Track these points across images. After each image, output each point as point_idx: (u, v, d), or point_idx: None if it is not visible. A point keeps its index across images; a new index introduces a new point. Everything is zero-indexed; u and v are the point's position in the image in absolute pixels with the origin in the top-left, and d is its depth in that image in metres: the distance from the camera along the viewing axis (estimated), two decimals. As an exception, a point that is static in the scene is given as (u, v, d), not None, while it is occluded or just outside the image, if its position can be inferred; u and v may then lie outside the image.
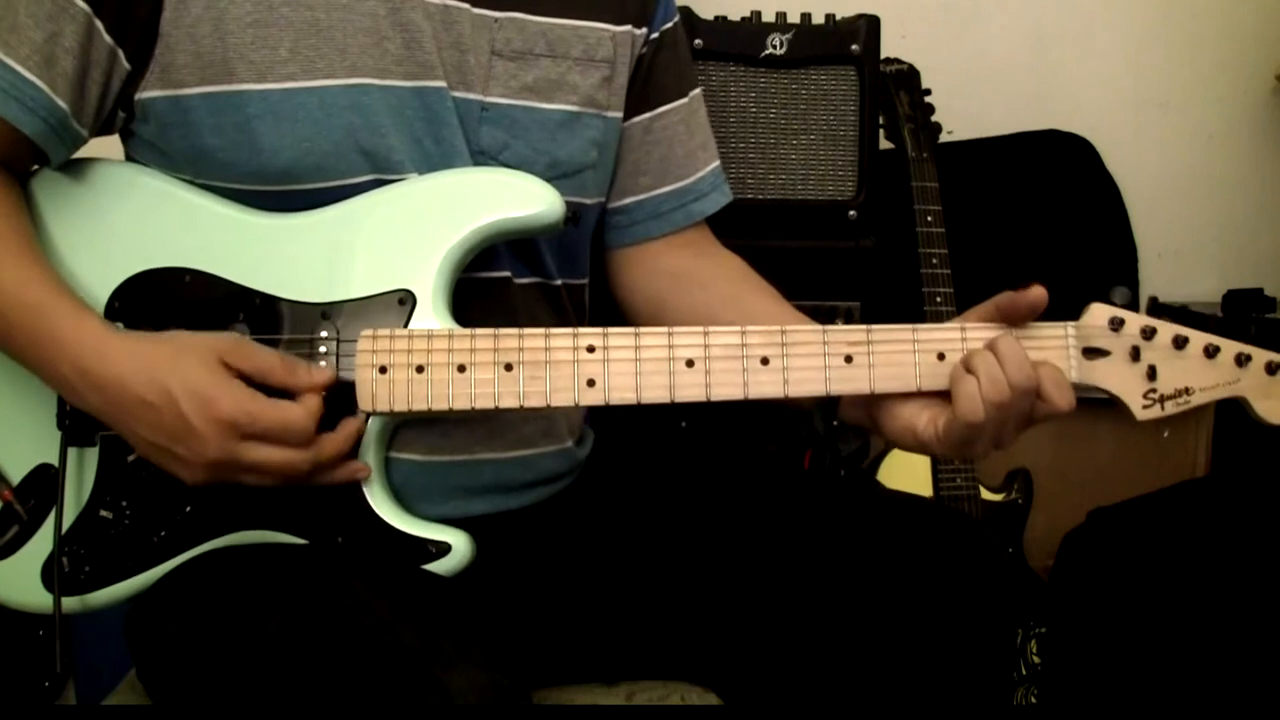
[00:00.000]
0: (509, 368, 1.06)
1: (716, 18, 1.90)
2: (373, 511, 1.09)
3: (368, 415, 1.08)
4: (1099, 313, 1.09)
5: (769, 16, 1.91)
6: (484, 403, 1.06)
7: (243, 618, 1.02)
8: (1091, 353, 1.08)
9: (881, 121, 1.99)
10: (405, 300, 1.08)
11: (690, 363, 1.06)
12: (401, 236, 1.10)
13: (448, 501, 1.15)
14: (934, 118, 2.05)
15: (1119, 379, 1.08)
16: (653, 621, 1.19)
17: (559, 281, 1.24)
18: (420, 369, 1.06)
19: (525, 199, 1.11)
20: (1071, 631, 1.93)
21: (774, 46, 1.88)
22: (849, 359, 1.07)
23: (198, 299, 1.10)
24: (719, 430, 1.83)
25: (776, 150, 1.90)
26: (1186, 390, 1.08)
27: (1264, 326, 2.20)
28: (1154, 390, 1.08)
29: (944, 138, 2.07)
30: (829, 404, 1.16)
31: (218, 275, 1.10)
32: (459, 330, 1.07)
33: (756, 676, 1.16)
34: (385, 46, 1.12)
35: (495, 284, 1.16)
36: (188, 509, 1.09)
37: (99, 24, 1.07)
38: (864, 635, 1.09)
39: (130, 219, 1.12)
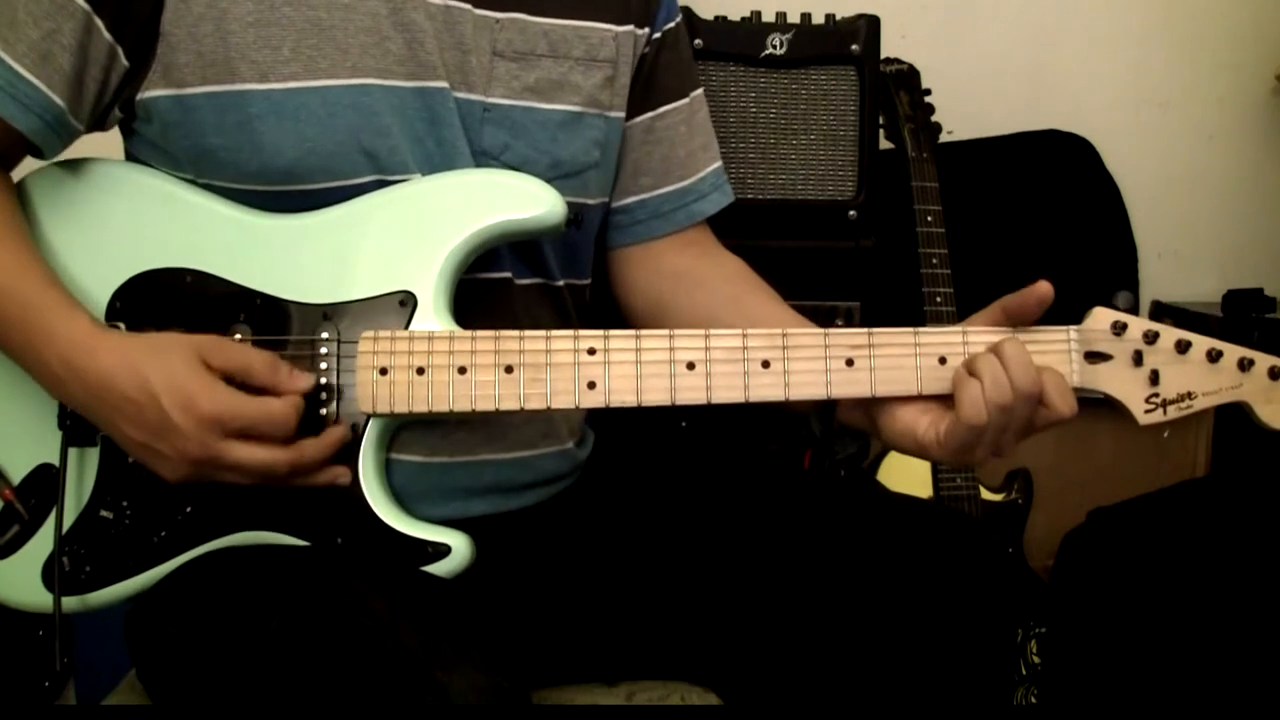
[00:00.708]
0: (510, 370, 1.06)
1: (716, 18, 1.90)
2: (372, 513, 1.09)
3: (367, 418, 1.08)
4: (1101, 316, 1.08)
5: (769, 16, 1.91)
6: (485, 405, 1.06)
7: (243, 618, 1.02)
8: (1094, 357, 1.08)
9: (881, 121, 1.99)
10: (406, 302, 1.08)
11: (691, 365, 1.06)
12: (403, 238, 1.10)
13: (448, 503, 1.15)
14: (934, 118, 2.05)
15: (1121, 383, 1.08)
16: (653, 621, 1.19)
17: (561, 282, 1.24)
18: (421, 371, 1.06)
19: (527, 201, 1.11)
20: (1071, 631, 1.93)
21: (774, 46, 1.88)
22: (850, 362, 1.07)
23: (199, 300, 1.10)
24: (719, 430, 1.83)
25: (776, 150, 1.90)
26: (1189, 395, 1.07)
27: (1264, 327, 2.20)
28: (1156, 395, 1.07)
29: (944, 138, 2.07)
30: (826, 406, 1.15)
31: (219, 276, 1.10)
32: (460, 332, 1.07)
33: (756, 676, 1.16)
34: (387, 46, 1.12)
35: (496, 285, 1.16)
36: (188, 509, 1.09)
37: (98, 22, 1.07)
38: (864, 635, 1.09)
39: (131, 219, 1.12)
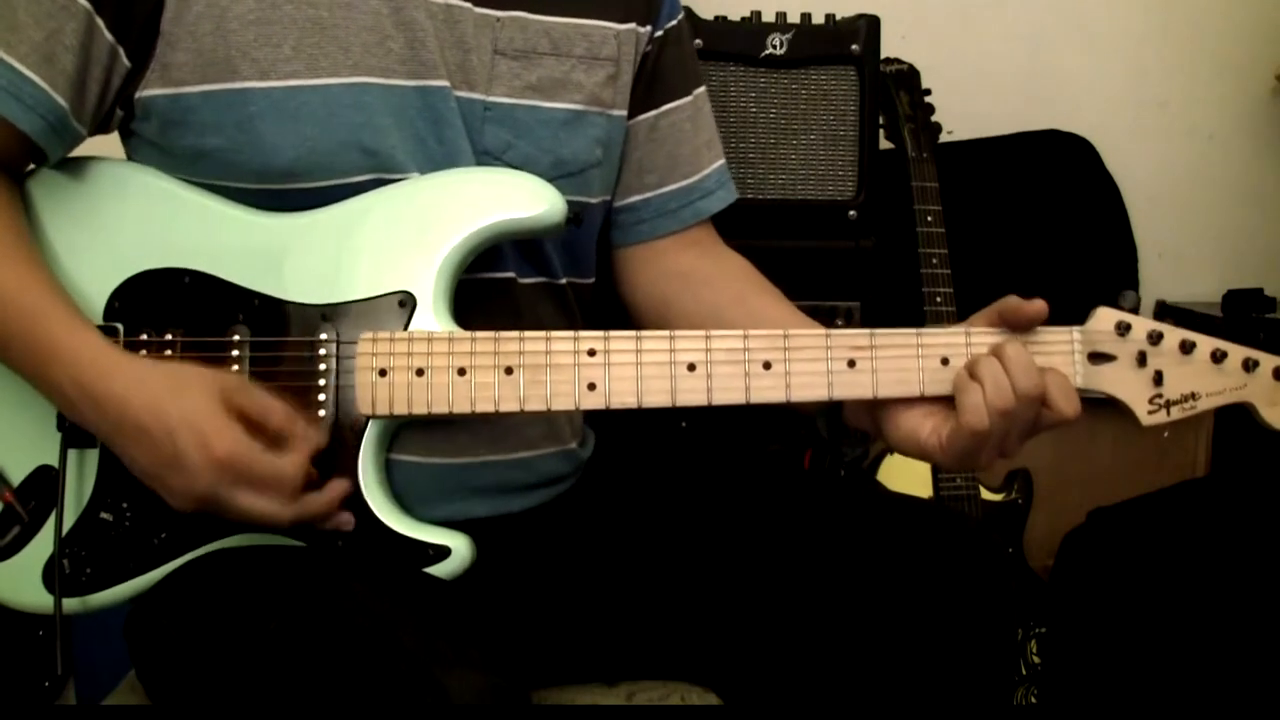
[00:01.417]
0: (509, 371, 1.05)
1: (716, 18, 1.91)
2: (373, 515, 1.09)
3: (366, 418, 1.08)
4: (1105, 317, 1.08)
5: (769, 16, 1.91)
6: (484, 406, 1.05)
7: (242, 619, 1.02)
8: (1097, 357, 1.08)
9: (881, 121, 1.99)
10: (405, 302, 1.08)
11: (692, 366, 1.06)
12: (402, 238, 1.09)
13: (449, 503, 1.14)
14: (934, 118, 2.05)
15: (1125, 384, 1.07)
16: (653, 622, 1.19)
17: (564, 281, 1.24)
18: (420, 372, 1.06)
19: (527, 200, 1.10)
20: (1071, 631, 1.93)
21: (774, 46, 1.88)
22: (852, 363, 1.07)
23: (197, 300, 1.09)
24: (719, 430, 1.83)
25: (776, 150, 1.91)
26: (1193, 395, 1.07)
27: (1264, 327, 2.20)
28: (1160, 396, 1.07)
29: (944, 138, 2.07)
30: (833, 408, 1.15)
31: (218, 276, 1.10)
32: (459, 333, 1.07)
33: (756, 676, 1.16)
34: (388, 45, 1.12)
35: (499, 285, 1.16)
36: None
37: (100, 22, 1.06)
38: (864, 635, 1.09)
39: (130, 219, 1.11)
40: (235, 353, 1.09)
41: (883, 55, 1.95)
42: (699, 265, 1.31)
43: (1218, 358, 1.07)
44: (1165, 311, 2.39)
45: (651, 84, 1.29)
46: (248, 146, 1.09)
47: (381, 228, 1.10)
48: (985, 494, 2.03)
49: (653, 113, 1.29)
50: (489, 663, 0.97)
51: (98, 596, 1.11)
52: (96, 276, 1.10)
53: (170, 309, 1.09)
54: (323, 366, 1.08)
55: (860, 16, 1.91)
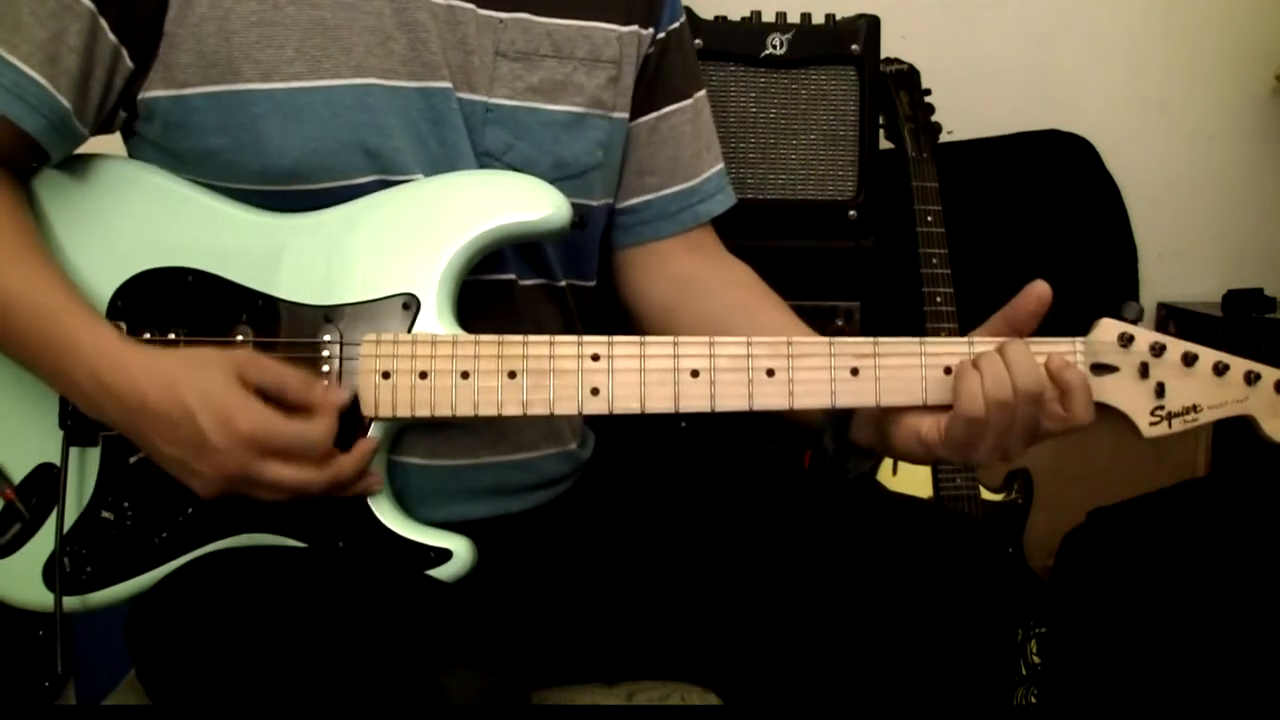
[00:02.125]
0: (513, 375, 1.05)
1: (716, 18, 1.91)
2: (374, 517, 1.09)
3: (369, 420, 1.08)
4: (1108, 328, 1.08)
5: (769, 16, 1.91)
6: (487, 410, 1.05)
7: (242, 619, 1.02)
8: (1100, 369, 1.08)
9: (881, 121, 1.99)
10: (409, 304, 1.08)
11: (696, 373, 1.06)
12: (406, 240, 1.09)
13: (450, 504, 1.15)
14: (934, 118, 2.05)
15: (1127, 395, 1.07)
16: (653, 622, 1.19)
17: (564, 283, 1.24)
18: (424, 375, 1.06)
19: (532, 203, 1.10)
20: (1071, 631, 1.93)
21: (774, 46, 1.88)
22: (855, 371, 1.07)
23: (200, 300, 1.09)
24: (719, 431, 1.83)
25: (776, 150, 1.91)
26: (1194, 408, 1.07)
27: (1264, 327, 2.20)
28: (1161, 407, 1.07)
29: (944, 138, 2.07)
30: (839, 424, 1.15)
31: (221, 276, 1.10)
32: (463, 336, 1.07)
33: (756, 676, 1.16)
34: (391, 46, 1.12)
35: (500, 286, 1.16)
36: (189, 511, 1.09)
37: (103, 22, 1.06)
38: (864, 636, 1.09)
39: (134, 218, 1.11)
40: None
41: (883, 55, 1.95)
42: (701, 270, 1.31)
43: (1220, 370, 1.07)
44: (1167, 313, 2.39)
45: (652, 86, 1.29)
46: (250, 148, 1.09)
47: (385, 229, 1.10)
48: (985, 494, 2.03)
49: (653, 115, 1.29)
50: (489, 663, 0.97)
51: (98, 595, 1.11)
52: (99, 275, 1.10)
53: (173, 308, 1.09)
54: (326, 368, 1.08)
55: (860, 16, 1.91)
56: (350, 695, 0.94)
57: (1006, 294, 1.08)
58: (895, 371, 1.07)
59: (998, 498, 2.06)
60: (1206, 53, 2.47)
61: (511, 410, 1.05)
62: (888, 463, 1.99)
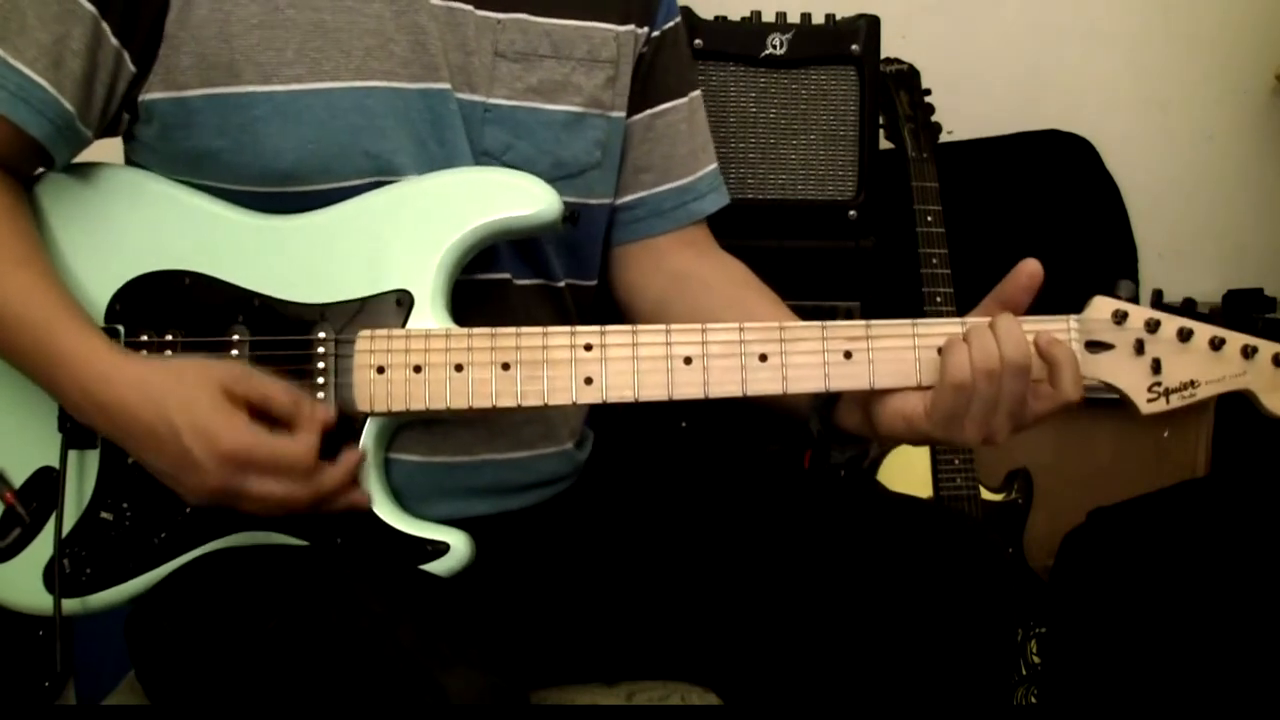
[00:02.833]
0: (506, 367, 1.06)
1: (716, 18, 1.91)
2: (372, 512, 1.09)
3: (365, 417, 1.08)
4: (1102, 306, 1.07)
5: (769, 16, 1.91)
6: (481, 402, 1.06)
7: (242, 619, 1.02)
8: (1095, 346, 1.07)
9: (881, 121, 1.99)
10: (403, 301, 1.08)
11: (688, 360, 1.06)
12: (399, 237, 1.10)
13: (448, 502, 1.15)
14: (934, 118, 2.05)
15: (1123, 373, 1.07)
16: (653, 621, 1.19)
17: (563, 283, 1.24)
18: (418, 369, 1.06)
19: (523, 199, 1.11)
20: (1071, 631, 1.93)
21: (774, 46, 1.88)
22: (848, 355, 1.07)
23: (197, 301, 1.10)
24: (719, 431, 1.83)
25: (776, 150, 1.91)
26: (1191, 383, 1.06)
27: (1265, 327, 2.20)
28: (1159, 384, 1.06)
29: (944, 138, 2.07)
30: (826, 408, 1.15)
31: (217, 278, 1.10)
32: (456, 330, 1.07)
33: (756, 676, 1.16)
34: (391, 49, 1.12)
35: (494, 286, 1.16)
36: (188, 510, 1.09)
37: (105, 26, 1.07)
38: (864, 635, 1.09)
39: (131, 222, 1.12)
40: (235, 353, 1.09)
41: (883, 55, 1.95)
42: (695, 267, 1.31)
43: (1216, 345, 1.06)
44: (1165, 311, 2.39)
45: (647, 84, 1.29)
46: (249, 149, 1.09)
47: (379, 227, 1.10)
48: (985, 494, 2.03)
49: (648, 112, 1.30)
50: (488, 662, 0.97)
51: (97, 597, 1.11)
52: (98, 279, 1.10)
53: (171, 310, 1.10)
54: (321, 365, 1.08)
55: (860, 16, 1.91)
56: (350, 695, 0.94)
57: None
58: (888, 353, 1.06)
59: (998, 498, 2.05)
60: (1206, 53, 2.47)
61: (506, 402, 1.06)
62: (888, 463, 1.99)
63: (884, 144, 2.02)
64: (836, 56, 1.90)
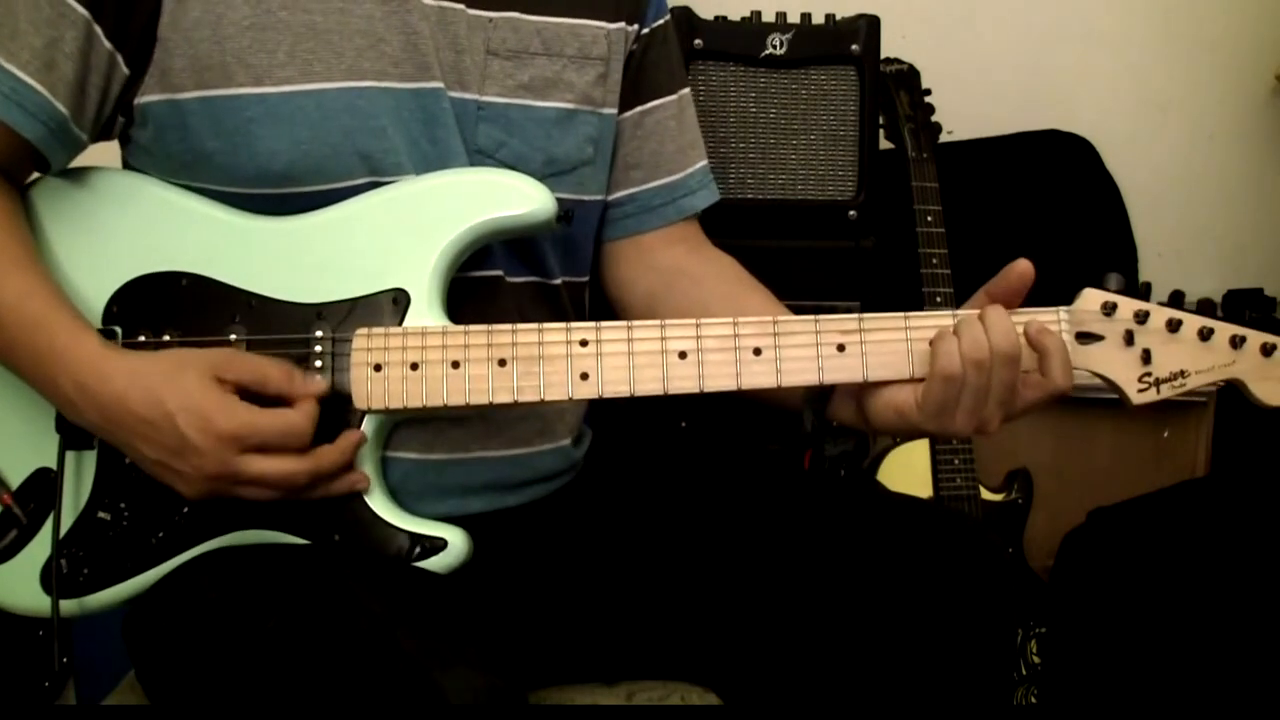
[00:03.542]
0: (503, 363, 1.06)
1: (716, 18, 1.91)
2: (369, 509, 1.09)
3: (364, 412, 1.08)
4: (1091, 297, 1.08)
5: (769, 16, 1.91)
6: (478, 398, 1.06)
7: (240, 619, 1.02)
8: (1084, 337, 1.08)
9: (881, 121, 1.99)
10: (399, 299, 1.09)
11: (683, 355, 1.06)
12: (395, 237, 1.10)
13: (445, 500, 1.15)
14: (934, 118, 2.05)
15: (1113, 364, 1.07)
16: (653, 621, 1.19)
17: (559, 280, 1.24)
18: (415, 366, 1.06)
19: (517, 198, 1.11)
20: (1071, 631, 1.93)
21: (774, 46, 1.88)
22: (841, 348, 1.07)
23: (194, 302, 1.10)
24: (719, 430, 1.83)
25: (776, 150, 1.91)
26: (1181, 373, 1.07)
27: (1264, 327, 2.19)
28: (1149, 374, 1.07)
29: (944, 138, 2.07)
30: (820, 401, 1.15)
31: (214, 279, 1.10)
32: (452, 327, 1.07)
33: (756, 676, 1.16)
34: (382, 49, 1.12)
35: (487, 283, 1.17)
36: (185, 509, 1.09)
37: (98, 29, 1.07)
38: (864, 636, 1.09)
39: (127, 225, 1.12)
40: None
41: (883, 55, 1.95)
42: (686, 263, 1.31)
43: (1205, 335, 1.07)
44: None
45: (637, 81, 1.29)
46: (243, 151, 1.09)
47: (374, 227, 1.10)
48: (985, 494, 2.04)
49: (639, 109, 1.30)
50: (487, 662, 0.97)
51: (95, 598, 1.11)
52: (95, 282, 1.11)
53: (167, 311, 1.10)
54: (318, 364, 1.08)
55: (860, 16, 1.91)
56: (348, 695, 0.94)
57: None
58: (881, 346, 1.07)
59: (998, 498, 2.06)
60: (1206, 53, 2.47)
61: (502, 398, 1.06)
62: (888, 463, 1.99)
63: (884, 144, 2.03)
64: (836, 56, 1.90)
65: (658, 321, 1.07)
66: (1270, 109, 2.50)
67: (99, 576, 1.10)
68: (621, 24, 1.26)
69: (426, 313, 1.08)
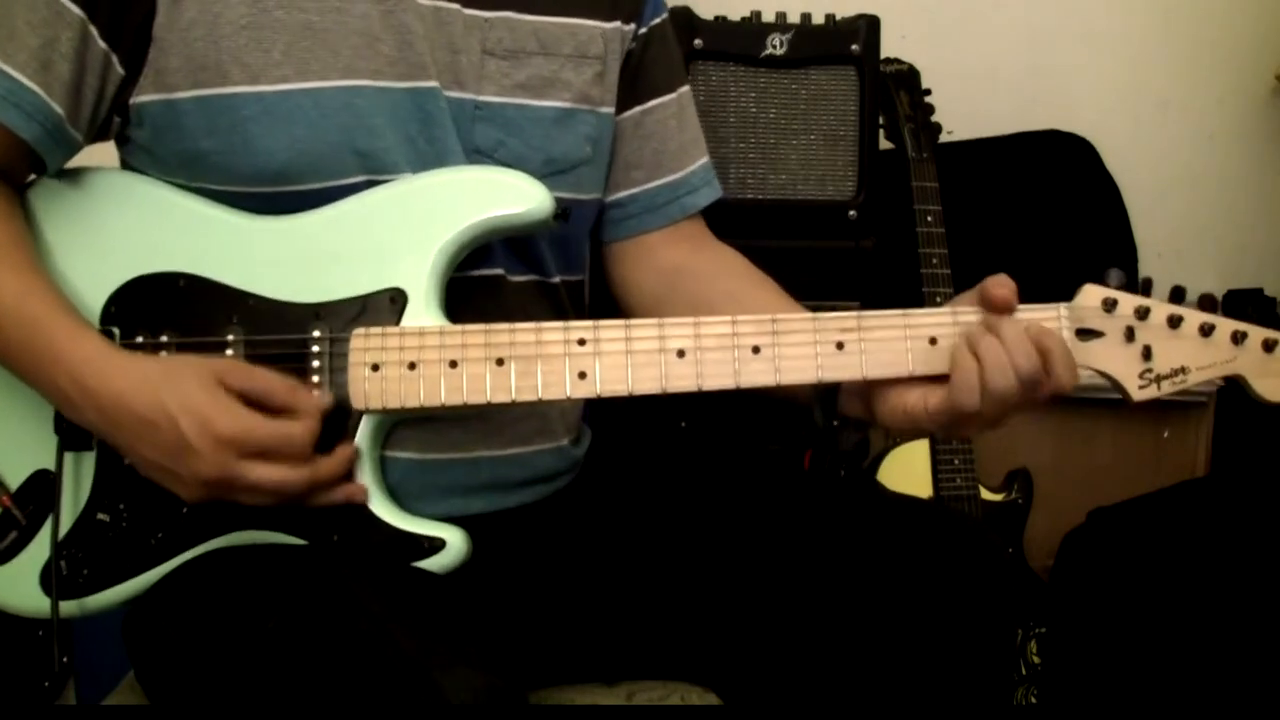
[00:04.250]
0: (500, 363, 1.06)
1: (716, 18, 1.91)
2: (368, 509, 1.09)
3: (360, 414, 1.08)
4: (1092, 294, 1.08)
5: (769, 16, 1.91)
6: (476, 398, 1.06)
7: (240, 619, 1.02)
8: (1085, 334, 1.08)
9: (881, 121, 1.99)
10: (397, 299, 1.09)
11: (682, 353, 1.06)
12: (392, 236, 1.10)
13: (445, 500, 1.14)
14: (934, 118, 2.05)
15: (1114, 360, 1.07)
16: (653, 621, 1.19)
17: (557, 279, 1.24)
18: (412, 365, 1.06)
19: (515, 196, 1.11)
20: (1071, 631, 1.93)
21: (774, 46, 1.88)
22: (840, 346, 1.07)
23: (192, 302, 1.10)
24: (719, 430, 1.83)
25: (776, 150, 1.91)
26: (1182, 370, 1.07)
27: (1265, 324, 2.20)
28: (1150, 370, 1.07)
29: (944, 138, 2.07)
30: (828, 397, 1.15)
31: (211, 279, 1.10)
32: (450, 327, 1.07)
33: (756, 676, 1.16)
34: (378, 48, 1.12)
35: (487, 282, 1.16)
36: (184, 510, 1.09)
37: (93, 29, 1.07)
38: (864, 636, 1.09)
39: (125, 225, 1.12)
40: (229, 352, 1.09)
41: (883, 55, 1.95)
42: (690, 261, 1.31)
43: (1206, 331, 1.07)
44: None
45: (636, 80, 1.29)
46: (240, 150, 1.09)
47: (372, 226, 1.10)
48: (985, 494, 2.03)
49: (638, 109, 1.30)
50: (487, 662, 0.97)
51: (95, 599, 1.11)
52: (93, 283, 1.11)
53: (165, 312, 1.10)
54: (316, 364, 1.08)
55: (860, 16, 1.91)
56: (348, 695, 0.94)
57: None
58: (880, 344, 1.07)
59: (998, 498, 2.06)
60: (1206, 53, 2.47)
61: (500, 398, 1.06)
62: (888, 463, 1.99)
63: (884, 144, 2.03)
64: (836, 56, 1.90)
65: (656, 320, 1.07)
66: (1270, 109, 2.50)
67: (98, 577, 1.10)
68: (618, 23, 1.26)
69: (424, 312, 1.08)
